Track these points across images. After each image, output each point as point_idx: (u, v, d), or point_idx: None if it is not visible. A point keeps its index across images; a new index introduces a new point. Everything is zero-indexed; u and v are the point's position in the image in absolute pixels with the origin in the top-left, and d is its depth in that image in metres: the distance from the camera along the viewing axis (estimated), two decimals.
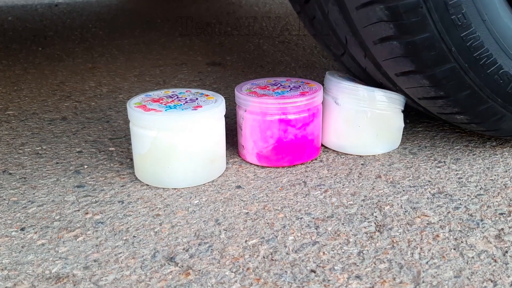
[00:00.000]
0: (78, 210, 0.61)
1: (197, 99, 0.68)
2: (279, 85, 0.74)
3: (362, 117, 0.71)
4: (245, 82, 0.75)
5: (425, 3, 0.57)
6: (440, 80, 0.63)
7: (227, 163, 0.73)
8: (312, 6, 0.72)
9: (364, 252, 0.51)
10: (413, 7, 0.57)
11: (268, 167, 0.71)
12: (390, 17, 0.59)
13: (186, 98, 0.68)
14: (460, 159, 0.72)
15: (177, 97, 0.69)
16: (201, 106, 0.65)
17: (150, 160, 0.64)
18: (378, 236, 0.54)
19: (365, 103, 0.71)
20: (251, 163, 0.72)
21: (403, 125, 0.74)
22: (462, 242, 0.53)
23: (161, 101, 0.67)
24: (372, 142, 0.73)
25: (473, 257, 0.50)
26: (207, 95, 0.69)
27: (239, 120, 0.71)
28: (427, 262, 0.50)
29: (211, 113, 0.64)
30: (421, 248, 0.52)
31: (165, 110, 0.64)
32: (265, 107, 0.68)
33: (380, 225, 0.56)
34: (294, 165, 0.71)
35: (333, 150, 0.76)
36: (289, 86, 0.73)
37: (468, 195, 0.62)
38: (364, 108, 0.71)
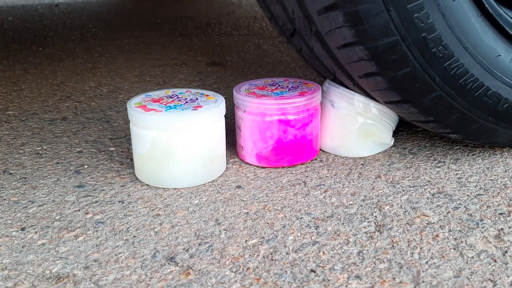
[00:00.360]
0: (79, 210, 0.61)
1: (197, 99, 0.68)
2: (277, 85, 0.74)
3: (354, 123, 0.72)
4: (243, 83, 0.75)
5: (404, 41, 0.57)
6: (428, 108, 0.63)
7: (227, 163, 0.73)
8: (298, 40, 0.72)
9: (364, 252, 0.52)
10: (392, 46, 0.57)
11: (267, 167, 0.71)
12: (370, 57, 0.59)
13: (186, 98, 0.68)
14: (459, 159, 0.72)
15: (177, 97, 0.69)
16: (201, 106, 0.65)
17: (150, 160, 0.64)
18: (378, 236, 0.54)
19: (360, 110, 0.71)
20: (251, 164, 0.72)
21: (389, 143, 0.75)
22: (461, 242, 0.53)
23: (161, 101, 0.67)
24: (359, 147, 0.73)
25: (472, 257, 0.50)
26: (207, 95, 0.69)
27: (238, 121, 0.71)
28: (426, 262, 0.50)
29: (211, 113, 0.64)
30: (420, 248, 0.52)
31: (165, 110, 0.64)
32: (264, 107, 0.68)
33: (380, 225, 0.56)
34: (293, 165, 0.72)
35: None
36: (288, 86, 0.73)
37: (467, 195, 0.62)
38: (356, 115, 0.71)
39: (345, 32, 0.58)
